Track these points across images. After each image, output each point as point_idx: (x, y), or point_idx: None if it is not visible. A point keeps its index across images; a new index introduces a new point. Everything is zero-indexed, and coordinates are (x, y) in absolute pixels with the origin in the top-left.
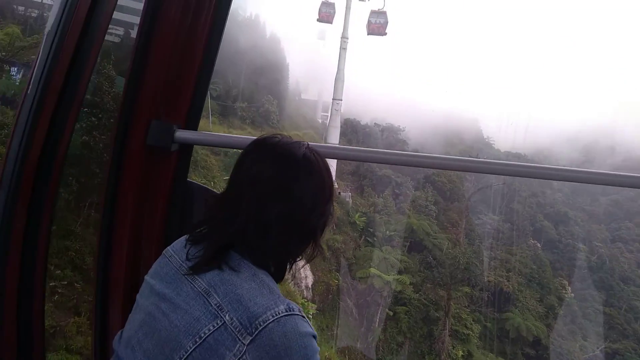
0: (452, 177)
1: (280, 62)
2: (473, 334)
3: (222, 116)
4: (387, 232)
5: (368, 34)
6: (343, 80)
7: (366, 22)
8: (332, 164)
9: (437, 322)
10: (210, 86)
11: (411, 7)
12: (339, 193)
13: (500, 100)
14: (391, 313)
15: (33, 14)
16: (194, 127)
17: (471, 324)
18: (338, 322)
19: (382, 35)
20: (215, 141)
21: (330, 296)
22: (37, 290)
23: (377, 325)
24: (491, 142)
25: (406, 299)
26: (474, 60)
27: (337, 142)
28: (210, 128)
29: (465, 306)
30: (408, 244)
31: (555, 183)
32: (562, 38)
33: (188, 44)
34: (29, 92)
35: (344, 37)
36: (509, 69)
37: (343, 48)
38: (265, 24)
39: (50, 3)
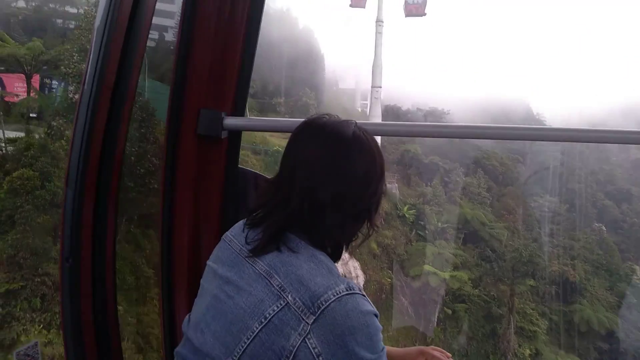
0: (503, 159)
1: (314, 52)
2: (540, 330)
3: (260, 113)
4: (439, 224)
5: (406, 16)
6: (381, 66)
7: (403, 2)
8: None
9: (500, 319)
10: None
11: None
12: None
13: (549, 73)
14: (450, 311)
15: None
16: (242, 113)
17: (537, 319)
18: (393, 322)
19: (421, 15)
20: (264, 126)
21: (384, 296)
22: (109, 282)
23: (435, 325)
24: (542, 118)
25: (465, 295)
26: (518, 33)
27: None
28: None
29: (529, 300)
30: (462, 235)
31: (614, 158)
32: (607, 12)
33: (228, 31)
34: (82, 99)
35: (378, 21)
36: (554, 40)
37: (379, 32)
38: (297, 16)
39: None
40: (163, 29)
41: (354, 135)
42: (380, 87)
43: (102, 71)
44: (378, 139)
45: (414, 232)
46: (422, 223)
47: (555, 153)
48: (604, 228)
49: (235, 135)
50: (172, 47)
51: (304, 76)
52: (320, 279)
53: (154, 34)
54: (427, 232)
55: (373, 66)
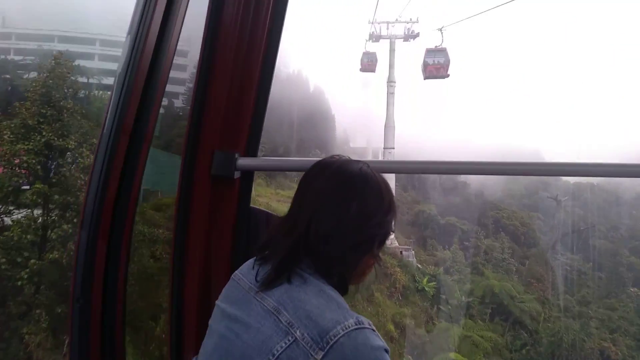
0: (524, 219)
1: (325, 113)
2: None
3: (269, 177)
4: (463, 297)
5: (425, 78)
6: (393, 127)
7: (421, 63)
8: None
9: None
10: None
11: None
12: (401, 252)
13: (562, 127)
14: None
15: None
16: (254, 154)
17: None
18: None
19: (444, 77)
20: (276, 166)
21: None
22: (118, 325)
23: None
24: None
25: None
26: (529, 89)
27: (394, 194)
28: (255, 192)
29: None
30: (489, 310)
31: (634, 212)
32: (618, 63)
33: (244, 75)
34: (104, 132)
35: (390, 82)
36: (567, 93)
37: (390, 93)
38: (309, 78)
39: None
40: (173, 95)
41: (361, 171)
42: (393, 148)
43: (121, 116)
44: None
45: (435, 309)
46: (444, 297)
47: (575, 208)
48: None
49: (248, 175)
50: (180, 113)
51: (315, 137)
52: (329, 313)
53: (163, 101)
54: (450, 307)
55: (385, 127)
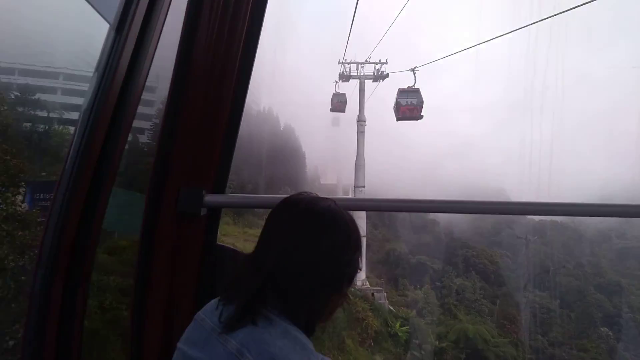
0: (493, 257)
1: (296, 150)
2: None
3: (237, 215)
4: (437, 342)
5: (398, 119)
6: (364, 166)
7: (393, 104)
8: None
9: None
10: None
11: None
12: (372, 294)
13: (523, 166)
14: None
15: None
16: (222, 190)
17: None
18: None
19: (417, 118)
20: (244, 203)
21: None
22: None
23: None
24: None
25: None
26: (493, 129)
27: (365, 232)
28: (221, 231)
29: None
30: (464, 356)
31: (598, 248)
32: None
33: (214, 112)
34: (62, 179)
35: (360, 121)
36: (529, 136)
37: (360, 132)
38: (279, 116)
39: None
40: (139, 130)
41: (329, 209)
42: (364, 186)
43: (85, 152)
44: (363, 229)
45: (408, 354)
46: (417, 342)
47: (541, 246)
48: (610, 333)
49: (215, 212)
50: (145, 149)
51: (284, 174)
52: (293, 355)
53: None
54: (423, 352)
55: (355, 166)
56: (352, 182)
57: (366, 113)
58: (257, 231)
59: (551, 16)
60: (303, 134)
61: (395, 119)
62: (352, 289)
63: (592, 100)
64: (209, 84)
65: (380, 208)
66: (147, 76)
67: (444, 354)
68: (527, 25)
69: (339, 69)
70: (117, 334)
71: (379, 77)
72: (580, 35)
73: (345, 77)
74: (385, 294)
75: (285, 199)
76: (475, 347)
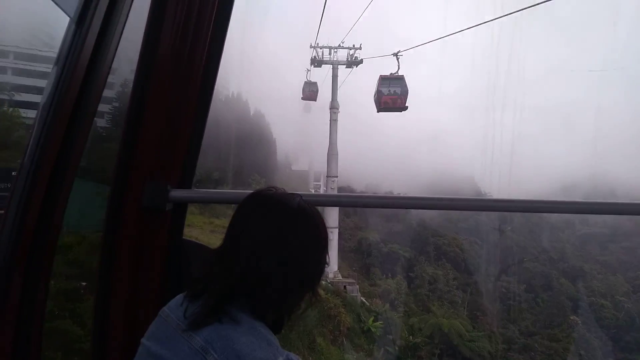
0: (463, 245)
1: (266, 137)
2: None
3: (202, 204)
4: (411, 337)
5: (380, 110)
6: (336, 154)
7: (374, 93)
8: (335, 236)
9: None
10: None
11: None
12: (344, 287)
13: (491, 153)
14: None
15: None
16: (188, 185)
17: None
18: None
19: (402, 109)
20: (210, 198)
21: None
22: None
23: None
24: (490, 197)
25: None
26: (464, 118)
27: (337, 223)
28: (186, 220)
29: None
30: (438, 351)
31: (562, 234)
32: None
33: (180, 105)
34: (25, 160)
35: (333, 108)
36: (495, 121)
37: (333, 120)
38: (248, 101)
39: None
40: (99, 114)
41: (299, 207)
42: (337, 176)
43: (44, 145)
44: (335, 220)
45: (382, 352)
46: (391, 337)
47: (509, 232)
48: (578, 321)
49: (181, 207)
50: (104, 134)
51: (253, 161)
52: (259, 352)
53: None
54: (397, 349)
55: (328, 155)
56: (324, 170)
57: (339, 100)
58: (224, 222)
59: (515, 12)
60: (274, 120)
61: (375, 109)
62: (324, 283)
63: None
64: (175, 74)
65: (349, 204)
66: (109, 69)
67: (418, 349)
68: (491, 20)
69: (310, 53)
70: (58, 347)
71: (353, 62)
72: (547, 28)
73: (317, 62)
74: (357, 286)
75: (253, 194)
76: (449, 343)
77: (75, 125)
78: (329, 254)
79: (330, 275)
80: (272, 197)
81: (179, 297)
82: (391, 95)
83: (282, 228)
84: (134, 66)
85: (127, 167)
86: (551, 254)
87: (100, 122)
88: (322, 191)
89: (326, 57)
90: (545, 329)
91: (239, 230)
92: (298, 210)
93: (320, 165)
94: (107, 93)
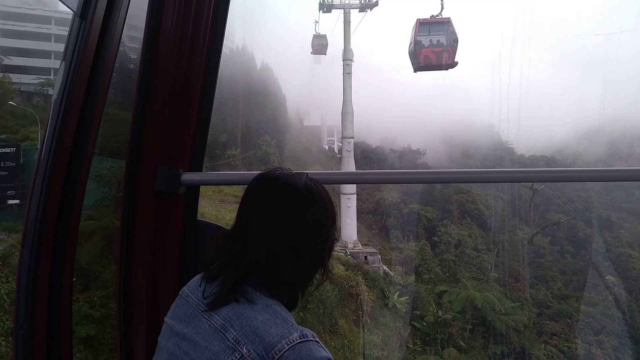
0: (488, 201)
1: (275, 93)
2: None
3: (211, 170)
4: (440, 313)
5: (418, 69)
6: (352, 112)
7: (408, 45)
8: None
9: None
10: None
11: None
12: (365, 258)
13: (513, 102)
14: None
15: None
16: (199, 168)
17: None
18: None
19: (450, 66)
20: (221, 179)
21: None
22: (65, 350)
23: None
24: (511, 146)
25: None
26: (482, 66)
27: (355, 188)
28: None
29: None
30: (470, 326)
31: (587, 184)
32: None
33: (185, 88)
34: (40, 163)
35: (346, 60)
36: (514, 70)
37: (347, 73)
38: (254, 55)
39: None
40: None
41: (306, 187)
42: (352, 137)
43: (59, 137)
44: (352, 186)
45: (410, 330)
46: (418, 312)
47: (532, 187)
48: (613, 279)
49: (194, 189)
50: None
51: (263, 120)
52: (274, 329)
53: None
54: (425, 324)
55: (342, 114)
56: (338, 124)
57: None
58: (234, 190)
59: None
60: (282, 74)
61: (412, 68)
62: (344, 256)
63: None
64: (179, 58)
65: (356, 181)
66: (115, 58)
67: (448, 325)
68: None
69: None
70: None
71: (367, 5)
72: None
73: (326, 7)
74: (379, 256)
75: (260, 176)
76: (483, 317)
77: (86, 115)
78: (348, 221)
79: (350, 245)
80: (278, 178)
81: (197, 278)
82: (434, 48)
83: (289, 209)
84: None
85: (139, 153)
86: (576, 203)
87: (110, 110)
88: (336, 148)
89: (336, 0)
90: (579, 290)
91: (248, 212)
92: (305, 189)
93: (334, 119)
94: (114, 84)
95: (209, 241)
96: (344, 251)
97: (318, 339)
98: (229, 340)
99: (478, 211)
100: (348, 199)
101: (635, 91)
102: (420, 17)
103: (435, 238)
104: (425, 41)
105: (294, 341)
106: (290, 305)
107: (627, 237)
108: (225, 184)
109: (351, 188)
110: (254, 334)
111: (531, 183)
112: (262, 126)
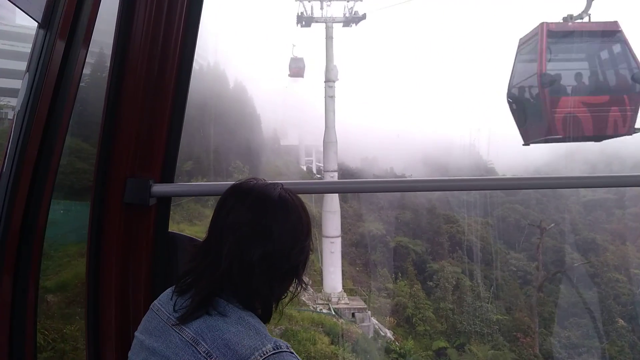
0: (478, 230)
1: (249, 112)
2: None
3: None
4: None
5: (548, 139)
6: (335, 142)
7: (523, 84)
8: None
9: None
10: None
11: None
12: (352, 315)
13: (492, 122)
14: None
15: None
16: (170, 180)
17: None
18: None
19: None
20: (192, 191)
21: None
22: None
23: None
24: (491, 166)
25: None
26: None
27: (339, 230)
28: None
29: None
30: None
31: (567, 202)
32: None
33: (156, 99)
34: (5, 164)
35: (328, 81)
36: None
37: (329, 96)
38: (226, 72)
39: None
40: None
41: (280, 197)
42: (336, 170)
43: (22, 149)
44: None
45: None
46: None
47: (515, 205)
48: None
49: (165, 201)
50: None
51: (234, 146)
52: (247, 340)
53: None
54: None
55: (325, 142)
56: (316, 143)
57: (340, 72)
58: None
59: None
60: (256, 94)
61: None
62: (327, 313)
63: None
64: (149, 69)
65: (332, 190)
66: (82, 68)
67: None
68: None
69: (297, 8)
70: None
71: (353, 19)
72: None
73: (305, 20)
74: (369, 312)
75: (234, 187)
76: None
77: (52, 127)
78: (332, 269)
79: (334, 299)
80: (252, 188)
81: (169, 291)
82: (589, 96)
83: (264, 219)
84: (108, 63)
85: (107, 165)
86: (561, 226)
87: (76, 121)
88: (314, 168)
89: (317, 12)
90: (588, 338)
91: (221, 223)
92: (279, 200)
93: (312, 138)
94: (81, 94)
95: (181, 253)
96: (327, 306)
97: (292, 350)
98: (200, 353)
99: (469, 243)
100: (331, 242)
101: None
102: (548, 22)
103: (431, 283)
104: (567, 78)
105: (267, 352)
106: (264, 317)
107: (613, 260)
108: (197, 195)
109: (334, 230)
110: (226, 346)
111: (538, 222)
112: (234, 150)
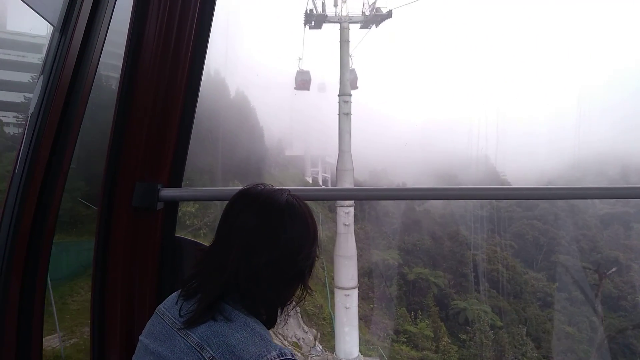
0: (507, 261)
1: (252, 124)
2: None
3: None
4: None
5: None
6: (352, 170)
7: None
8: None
9: None
10: None
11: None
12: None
13: (506, 133)
14: None
15: None
16: (178, 184)
17: None
18: None
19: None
20: (200, 196)
21: None
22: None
23: None
24: (503, 176)
25: None
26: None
27: (356, 280)
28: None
29: None
30: None
31: (587, 218)
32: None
33: (166, 103)
34: (17, 166)
35: (343, 96)
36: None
37: (344, 113)
38: (226, 80)
39: None
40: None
41: (287, 203)
42: (352, 206)
43: (35, 151)
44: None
45: None
46: None
47: (533, 221)
48: None
49: (172, 205)
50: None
51: (233, 167)
52: (252, 347)
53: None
54: None
55: (338, 170)
56: (322, 153)
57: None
58: None
59: None
60: (259, 103)
61: None
62: None
63: None
64: (160, 75)
65: (339, 197)
66: (95, 74)
67: None
68: None
69: (305, 5)
70: None
71: (374, 19)
72: None
73: (315, 21)
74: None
75: (242, 192)
76: None
77: (63, 130)
78: (347, 329)
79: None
80: (260, 194)
81: (174, 295)
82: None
83: (270, 225)
84: (119, 69)
85: (116, 168)
86: (581, 243)
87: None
88: (320, 179)
89: (330, 11)
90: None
91: (228, 229)
92: (286, 206)
93: (317, 148)
94: (94, 98)
95: (187, 258)
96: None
97: (296, 358)
98: (205, 359)
99: (496, 273)
100: (346, 295)
101: (622, 118)
102: None
103: (464, 336)
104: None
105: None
106: (269, 323)
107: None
108: (204, 200)
109: (350, 280)
110: (230, 352)
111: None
112: (232, 170)
